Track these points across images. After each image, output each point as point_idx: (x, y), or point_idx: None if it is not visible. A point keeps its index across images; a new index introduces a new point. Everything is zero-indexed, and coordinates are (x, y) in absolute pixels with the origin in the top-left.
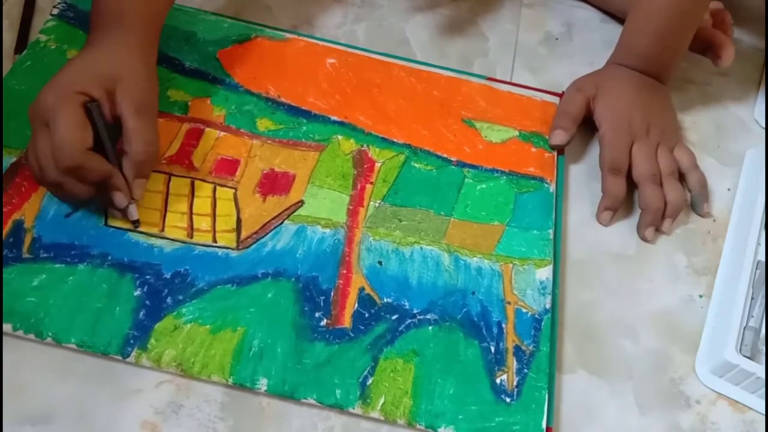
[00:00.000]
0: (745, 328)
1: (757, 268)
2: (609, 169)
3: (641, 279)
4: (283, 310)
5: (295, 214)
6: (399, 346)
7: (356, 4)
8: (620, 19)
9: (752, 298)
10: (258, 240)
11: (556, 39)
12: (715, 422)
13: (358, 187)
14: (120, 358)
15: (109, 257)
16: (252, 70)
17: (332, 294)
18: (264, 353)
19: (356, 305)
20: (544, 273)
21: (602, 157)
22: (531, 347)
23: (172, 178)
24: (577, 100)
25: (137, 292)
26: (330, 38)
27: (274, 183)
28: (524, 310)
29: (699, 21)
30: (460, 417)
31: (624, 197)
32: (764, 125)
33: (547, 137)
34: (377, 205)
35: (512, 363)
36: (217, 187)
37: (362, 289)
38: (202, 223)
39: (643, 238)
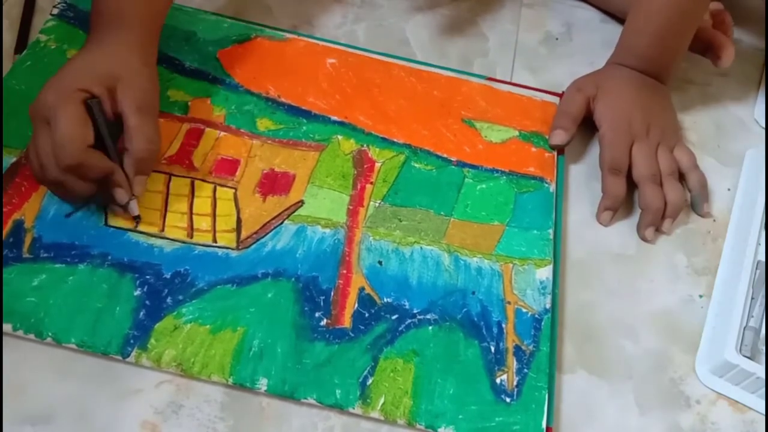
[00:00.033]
0: (745, 328)
1: (757, 268)
2: (609, 169)
3: (641, 279)
4: (283, 310)
5: (295, 214)
6: (399, 346)
7: (356, 4)
8: (620, 19)
9: (752, 298)
10: (258, 240)
11: (556, 39)
12: (715, 422)
13: (358, 187)
14: (120, 358)
15: (109, 257)
16: (252, 70)
17: (332, 294)
18: (264, 353)
19: (356, 305)
20: (544, 273)
21: (602, 157)
22: (531, 347)
23: (172, 178)
24: (577, 100)
25: (137, 292)
26: (330, 38)
27: (274, 183)
28: (524, 310)
29: (699, 21)
30: (460, 417)
31: (624, 197)
32: (764, 125)
33: (547, 137)
34: (377, 205)
35: (512, 363)
36: (217, 187)
37: (362, 289)
38: (202, 223)
39: (643, 238)
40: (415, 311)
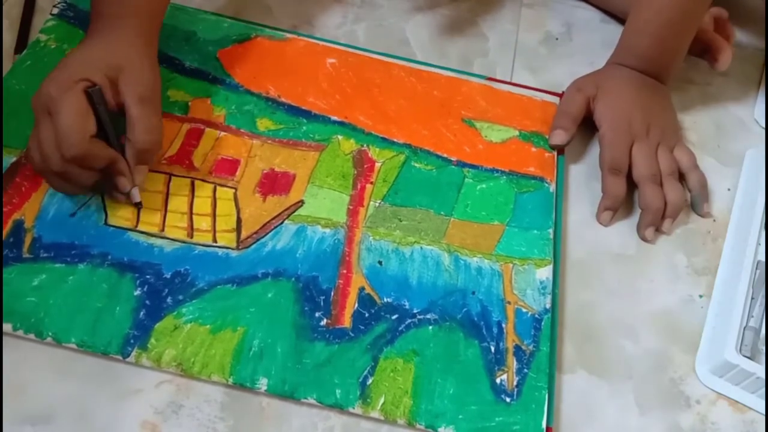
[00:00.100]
0: (745, 328)
1: (757, 268)
2: (609, 169)
3: (641, 279)
4: (283, 310)
5: (295, 214)
6: (399, 346)
7: (356, 4)
8: (620, 19)
9: (752, 298)
10: (258, 240)
11: (556, 39)
12: (715, 422)
13: (358, 186)
14: (120, 357)
15: (109, 257)
16: (252, 70)
17: (332, 294)
18: (264, 353)
19: (356, 305)
20: (544, 273)
21: (602, 157)
22: (531, 347)
23: (173, 178)
24: (577, 100)
25: (137, 292)
26: (330, 38)
27: (274, 183)
28: (524, 310)
29: (699, 21)
30: (460, 417)
31: (624, 197)
32: (764, 125)
33: (547, 137)
34: (377, 204)
35: (512, 363)
36: (218, 187)
37: (362, 289)
38: (202, 223)
39: (643, 238)
40: (415, 311)
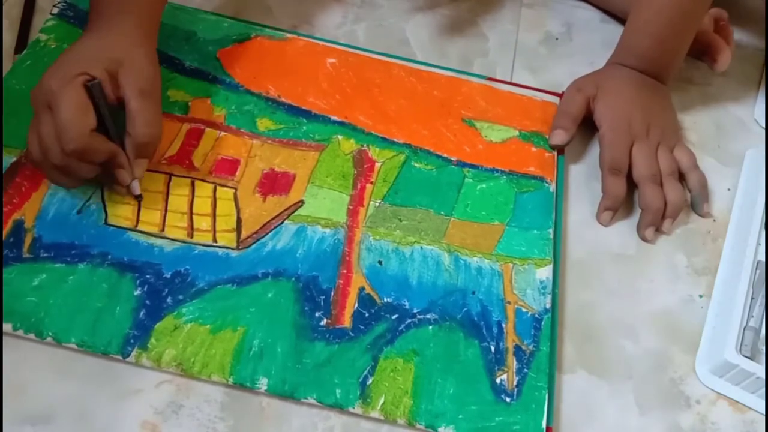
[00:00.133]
0: (745, 328)
1: (757, 268)
2: (609, 169)
3: (641, 279)
4: (283, 310)
5: (295, 213)
6: (399, 346)
7: (356, 4)
8: (620, 19)
9: (752, 298)
10: (258, 240)
11: (556, 39)
12: (715, 422)
13: (358, 186)
14: (120, 357)
15: (109, 257)
16: (252, 70)
17: (332, 294)
18: (264, 353)
19: (356, 305)
20: (544, 273)
21: (602, 157)
22: (531, 347)
23: (173, 178)
24: (577, 100)
25: (137, 292)
26: (330, 38)
27: (274, 183)
28: (524, 310)
29: (700, 22)
30: (460, 417)
31: (624, 197)
32: (764, 125)
33: (547, 137)
34: (377, 204)
35: (512, 363)
36: (218, 187)
37: (362, 289)
38: (203, 222)
39: (643, 238)
40: (415, 311)
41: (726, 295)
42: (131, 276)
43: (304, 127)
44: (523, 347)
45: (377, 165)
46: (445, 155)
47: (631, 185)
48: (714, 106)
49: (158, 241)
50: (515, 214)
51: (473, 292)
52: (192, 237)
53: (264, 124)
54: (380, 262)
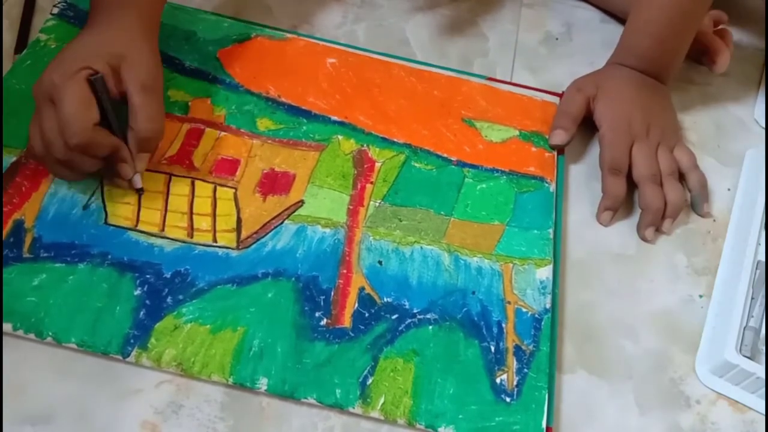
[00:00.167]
0: (745, 328)
1: (757, 268)
2: (609, 170)
3: (641, 279)
4: (283, 310)
5: (295, 213)
6: (399, 346)
7: (356, 4)
8: (620, 19)
9: (752, 298)
10: (258, 240)
11: (556, 39)
12: (715, 422)
13: (358, 186)
14: (120, 357)
15: (109, 256)
16: (252, 70)
17: (332, 294)
18: (264, 353)
19: (356, 305)
20: (544, 273)
21: (602, 157)
22: (531, 347)
23: (173, 178)
24: (577, 100)
25: (137, 292)
26: (330, 38)
27: (274, 183)
28: (524, 310)
29: (700, 22)
30: (460, 417)
31: (624, 197)
32: (764, 125)
33: (547, 137)
34: (377, 204)
35: (512, 363)
36: (218, 187)
37: (362, 289)
38: (203, 222)
39: (643, 238)
40: (415, 311)
41: (726, 295)
42: (131, 276)
43: (304, 127)
44: (523, 347)
45: (377, 165)
46: (445, 155)
47: (631, 185)
48: (714, 106)
49: (158, 241)
50: (515, 214)
51: (473, 292)
52: (192, 237)
53: (264, 124)
54: (380, 262)
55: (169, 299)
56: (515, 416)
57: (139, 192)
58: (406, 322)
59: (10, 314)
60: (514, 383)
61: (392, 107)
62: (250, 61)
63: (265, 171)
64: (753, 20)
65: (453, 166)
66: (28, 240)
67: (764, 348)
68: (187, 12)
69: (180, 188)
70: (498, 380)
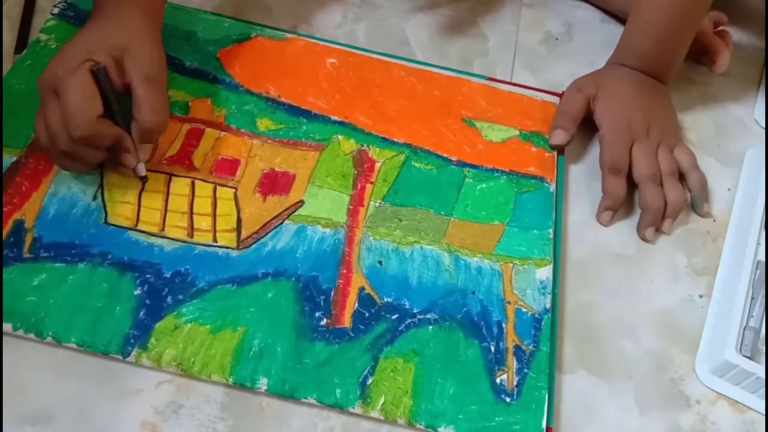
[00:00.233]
0: (745, 328)
1: (757, 268)
2: (609, 169)
3: (641, 279)
4: (283, 310)
5: (296, 213)
6: (399, 346)
7: (356, 4)
8: (620, 19)
9: (752, 298)
10: (258, 240)
11: (556, 39)
12: (715, 422)
13: (359, 186)
14: (120, 357)
15: (109, 256)
16: (252, 70)
17: (332, 294)
18: (264, 353)
19: (356, 305)
20: (544, 273)
21: (602, 157)
22: (531, 347)
23: (173, 178)
24: (577, 100)
25: (137, 292)
26: (330, 38)
27: (274, 183)
28: (524, 310)
29: (700, 22)
30: (460, 417)
31: (624, 197)
32: (764, 125)
33: (547, 137)
34: (377, 204)
35: (512, 363)
36: (218, 187)
37: (362, 289)
38: (203, 222)
39: (643, 238)
40: (415, 311)
41: (726, 295)
42: (131, 276)
43: (304, 127)
44: (523, 347)
45: (377, 165)
46: (445, 155)
47: (631, 185)
48: (714, 106)
49: (158, 241)
50: (515, 214)
51: (473, 292)
52: (192, 237)
53: (264, 124)
54: (380, 262)
55: (169, 299)
56: (515, 416)
57: (143, 180)
58: (406, 322)
59: (10, 314)
60: (514, 383)
61: (392, 107)
62: (250, 61)
63: (265, 171)
64: (753, 20)
65: (453, 166)
66: (28, 240)
67: (764, 348)
68: (187, 12)
69: (180, 188)
70: (498, 380)
